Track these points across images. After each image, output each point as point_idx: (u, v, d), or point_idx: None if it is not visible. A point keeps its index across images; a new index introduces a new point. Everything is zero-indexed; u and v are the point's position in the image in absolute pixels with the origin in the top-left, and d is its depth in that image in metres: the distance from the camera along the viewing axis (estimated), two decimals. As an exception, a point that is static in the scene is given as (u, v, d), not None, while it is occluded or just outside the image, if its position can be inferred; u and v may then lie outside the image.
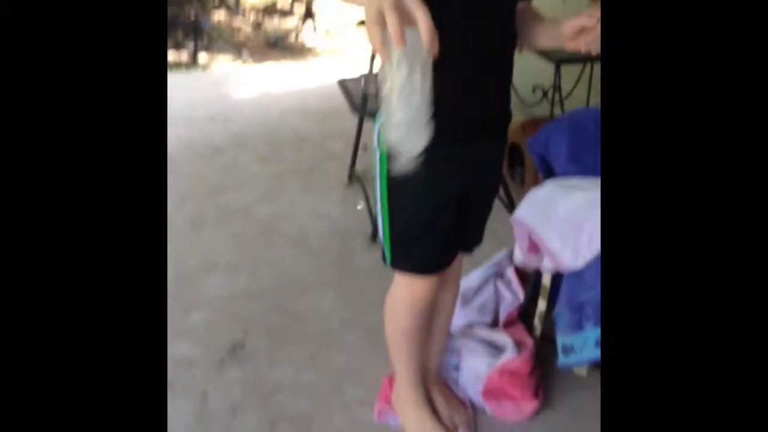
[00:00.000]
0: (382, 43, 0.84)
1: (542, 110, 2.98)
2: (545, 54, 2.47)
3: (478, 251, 1.54)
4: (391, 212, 1.39)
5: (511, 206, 2.51)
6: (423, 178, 1.34)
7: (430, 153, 1.31)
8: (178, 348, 1.81)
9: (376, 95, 1.36)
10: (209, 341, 1.85)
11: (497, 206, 2.47)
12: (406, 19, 0.85)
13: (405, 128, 0.94)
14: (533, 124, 2.69)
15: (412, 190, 1.36)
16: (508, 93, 1.41)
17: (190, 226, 2.47)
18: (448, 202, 1.39)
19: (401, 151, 0.96)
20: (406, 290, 1.46)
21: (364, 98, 2.63)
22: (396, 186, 1.37)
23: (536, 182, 2.04)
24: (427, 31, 0.84)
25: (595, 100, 2.91)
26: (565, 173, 1.80)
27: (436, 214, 1.38)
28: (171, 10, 4.06)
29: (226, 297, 2.06)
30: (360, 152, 2.79)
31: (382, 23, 0.82)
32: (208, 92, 3.80)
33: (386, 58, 0.86)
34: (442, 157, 1.33)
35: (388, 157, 1.36)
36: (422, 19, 0.84)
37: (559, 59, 2.44)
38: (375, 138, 1.39)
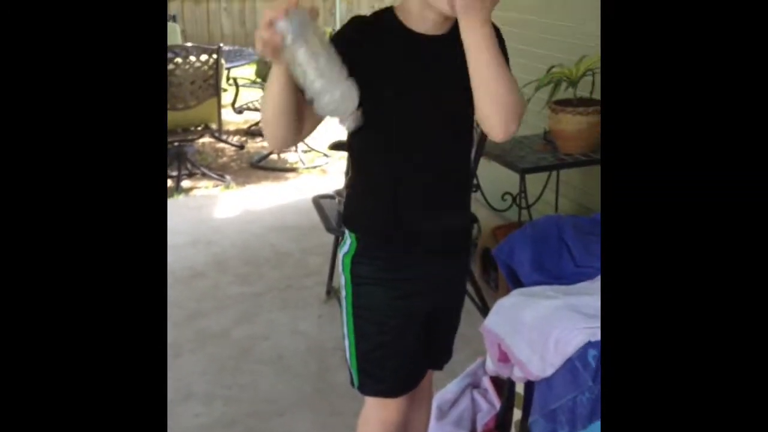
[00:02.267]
0: (269, 45, 1.02)
1: (513, 214, 3.06)
2: (510, 164, 2.57)
3: (454, 361, 1.54)
4: (357, 335, 1.40)
5: (485, 311, 2.52)
6: (386, 299, 1.37)
7: (392, 274, 1.35)
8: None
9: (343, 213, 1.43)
10: (183, 475, 1.80)
11: (472, 312, 2.49)
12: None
13: (330, 92, 1.06)
14: (504, 229, 2.75)
15: (377, 312, 1.38)
16: (465, 205, 1.44)
17: (169, 355, 2.46)
18: (413, 322, 1.40)
19: (343, 113, 1.10)
20: (376, 412, 1.46)
21: (339, 216, 2.70)
22: (360, 308, 1.39)
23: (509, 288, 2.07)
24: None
25: (563, 203, 2.99)
26: (530, 281, 1.83)
27: (402, 335, 1.40)
28: (154, 140, 4.22)
29: (203, 427, 2.02)
30: (337, 264, 2.83)
31: (266, 26, 1.01)
32: (190, 217, 3.88)
33: (282, 58, 1.03)
34: (405, 277, 1.37)
35: (352, 281, 1.39)
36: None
37: (522, 169, 2.54)
38: (340, 266, 1.42)
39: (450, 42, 1.19)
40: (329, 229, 2.69)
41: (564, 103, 2.54)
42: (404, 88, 1.24)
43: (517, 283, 1.89)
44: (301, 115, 1.20)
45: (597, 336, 1.45)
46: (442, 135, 1.30)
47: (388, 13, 1.27)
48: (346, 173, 2.78)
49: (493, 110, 1.15)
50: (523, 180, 2.68)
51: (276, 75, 1.12)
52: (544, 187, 3.00)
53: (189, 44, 4.51)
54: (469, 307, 2.21)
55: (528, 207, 2.82)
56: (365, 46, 1.21)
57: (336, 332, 2.55)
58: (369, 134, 1.27)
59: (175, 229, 3.67)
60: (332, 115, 1.11)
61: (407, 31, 1.23)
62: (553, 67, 2.64)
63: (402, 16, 1.24)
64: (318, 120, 1.24)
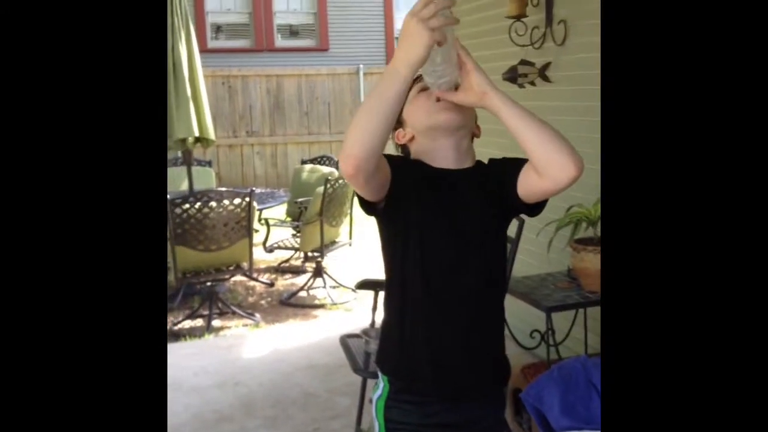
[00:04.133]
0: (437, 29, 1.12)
1: (542, 351, 3.03)
2: (536, 303, 2.59)
3: None
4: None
5: (519, 458, 2.44)
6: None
7: (426, 419, 1.35)
8: None
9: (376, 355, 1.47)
10: None
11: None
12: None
13: (441, 66, 1.24)
14: (533, 368, 2.72)
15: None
16: (499, 348, 1.46)
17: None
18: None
19: (441, 81, 1.27)
20: None
21: (367, 356, 2.71)
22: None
23: (537, 434, 2.02)
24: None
25: (592, 339, 2.97)
26: (560, 426, 1.81)
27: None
28: (186, 280, 4.33)
29: None
30: (365, 406, 2.79)
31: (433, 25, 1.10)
32: (219, 357, 3.91)
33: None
34: (439, 422, 1.36)
35: (386, 427, 1.39)
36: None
37: (548, 307, 2.56)
38: (374, 410, 1.43)
39: (467, 175, 1.35)
40: (356, 369, 2.69)
41: (585, 242, 2.59)
42: (436, 211, 1.34)
43: (547, 427, 1.86)
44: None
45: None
46: (474, 279, 1.36)
47: (417, 161, 1.40)
48: (373, 309, 2.82)
49: (553, 149, 1.21)
50: (549, 318, 2.68)
51: (398, 80, 1.14)
52: (572, 324, 2.99)
53: (223, 189, 4.74)
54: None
55: (556, 345, 2.80)
56: (410, 168, 1.36)
57: (364, 480, 2.48)
58: (403, 280, 1.34)
59: (204, 370, 3.69)
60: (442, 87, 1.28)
61: (430, 167, 1.37)
62: (572, 206, 2.72)
63: (427, 160, 1.38)
64: (386, 178, 1.28)
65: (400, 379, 1.38)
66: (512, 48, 3.32)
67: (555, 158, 1.21)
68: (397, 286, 1.37)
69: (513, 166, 1.34)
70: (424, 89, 1.36)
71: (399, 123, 1.40)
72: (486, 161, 1.45)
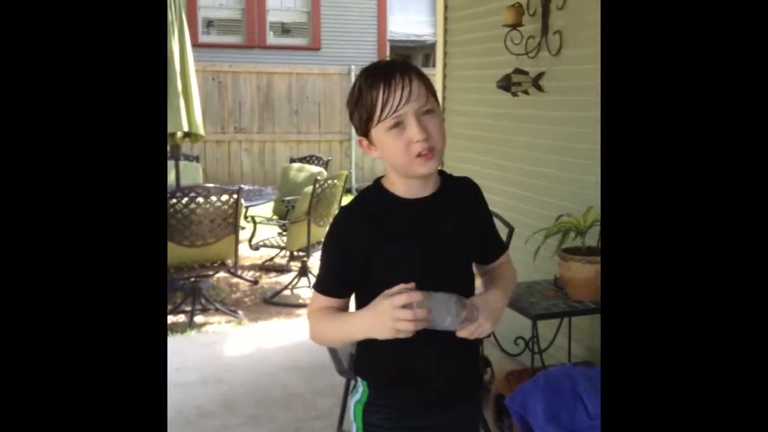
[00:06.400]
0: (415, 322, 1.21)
1: (526, 358, 3.04)
2: (523, 311, 2.60)
3: None
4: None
5: (501, 464, 2.45)
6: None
7: (404, 422, 1.36)
8: None
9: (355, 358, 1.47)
10: None
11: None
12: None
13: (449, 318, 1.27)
14: (517, 375, 2.74)
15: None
16: (475, 355, 1.47)
17: (172, 501, 2.38)
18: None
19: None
20: None
21: (351, 358, 2.70)
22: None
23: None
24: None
25: (575, 348, 2.99)
26: (545, 433, 1.82)
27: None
28: (170, 275, 4.30)
29: None
30: (348, 408, 2.79)
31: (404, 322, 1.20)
32: (201, 354, 3.88)
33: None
34: (418, 426, 1.37)
35: (364, 430, 1.40)
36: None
37: (535, 315, 2.57)
38: (352, 413, 1.43)
39: (436, 202, 1.35)
40: (341, 372, 2.68)
41: (573, 252, 2.61)
42: (407, 248, 1.34)
43: (531, 435, 1.87)
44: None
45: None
46: (446, 287, 1.36)
47: (375, 187, 1.38)
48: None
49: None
50: (535, 326, 2.70)
51: (352, 340, 1.36)
52: (557, 332, 3.01)
53: (211, 185, 4.72)
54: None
55: (540, 352, 2.82)
56: (361, 233, 1.33)
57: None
58: (377, 291, 1.34)
59: (186, 366, 3.66)
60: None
61: (396, 199, 1.35)
62: (561, 215, 2.74)
63: (388, 186, 1.36)
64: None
65: (379, 384, 1.39)
66: (507, 56, 3.34)
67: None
68: (372, 290, 1.38)
69: (494, 242, 1.52)
70: (396, 125, 1.26)
71: (365, 135, 1.32)
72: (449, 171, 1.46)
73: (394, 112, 1.24)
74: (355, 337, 1.34)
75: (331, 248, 1.36)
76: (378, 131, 1.28)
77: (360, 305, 1.40)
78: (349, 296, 1.39)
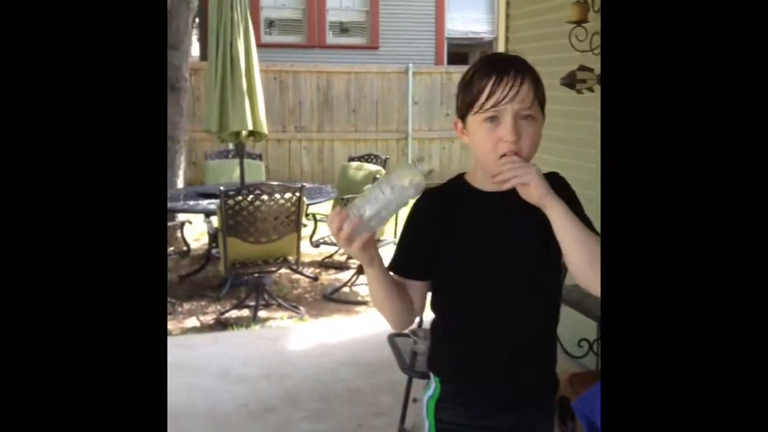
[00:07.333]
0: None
1: (589, 361, 3.00)
2: (587, 312, 2.57)
3: None
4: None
5: (565, 467, 2.42)
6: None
7: (475, 421, 1.36)
8: None
9: (426, 354, 1.48)
10: None
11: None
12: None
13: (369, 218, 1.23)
14: (581, 377, 2.70)
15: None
16: (548, 360, 1.45)
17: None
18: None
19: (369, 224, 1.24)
20: None
21: (414, 356, 2.72)
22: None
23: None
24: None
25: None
26: (613, 437, 1.79)
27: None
28: (235, 270, 4.42)
29: None
30: (410, 406, 2.81)
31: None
32: (265, 348, 3.97)
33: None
34: (488, 425, 1.38)
35: (436, 427, 1.41)
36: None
37: (599, 316, 2.53)
38: (424, 409, 1.44)
39: (517, 195, 1.26)
40: (404, 369, 2.70)
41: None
42: (475, 241, 1.34)
43: (599, 438, 1.84)
44: (408, 296, 1.34)
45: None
46: (520, 290, 1.35)
47: (458, 179, 1.40)
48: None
49: (588, 271, 1.21)
50: (600, 327, 2.66)
51: (371, 280, 1.29)
52: (622, 334, 2.95)
53: (275, 183, 4.81)
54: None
55: (606, 355, 2.77)
56: (434, 218, 1.34)
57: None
58: (450, 289, 1.36)
59: (250, 360, 3.75)
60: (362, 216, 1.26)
61: (476, 191, 1.35)
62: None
63: (470, 177, 1.38)
64: (425, 293, 1.37)
65: (453, 381, 1.39)
66: (572, 53, 3.29)
67: (583, 275, 1.24)
68: (446, 296, 1.40)
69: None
70: (492, 118, 1.26)
71: (462, 118, 1.32)
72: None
73: (495, 105, 1.24)
74: (368, 278, 1.30)
75: (405, 226, 1.40)
76: (474, 119, 1.28)
77: (436, 304, 1.42)
78: (409, 276, 1.35)
